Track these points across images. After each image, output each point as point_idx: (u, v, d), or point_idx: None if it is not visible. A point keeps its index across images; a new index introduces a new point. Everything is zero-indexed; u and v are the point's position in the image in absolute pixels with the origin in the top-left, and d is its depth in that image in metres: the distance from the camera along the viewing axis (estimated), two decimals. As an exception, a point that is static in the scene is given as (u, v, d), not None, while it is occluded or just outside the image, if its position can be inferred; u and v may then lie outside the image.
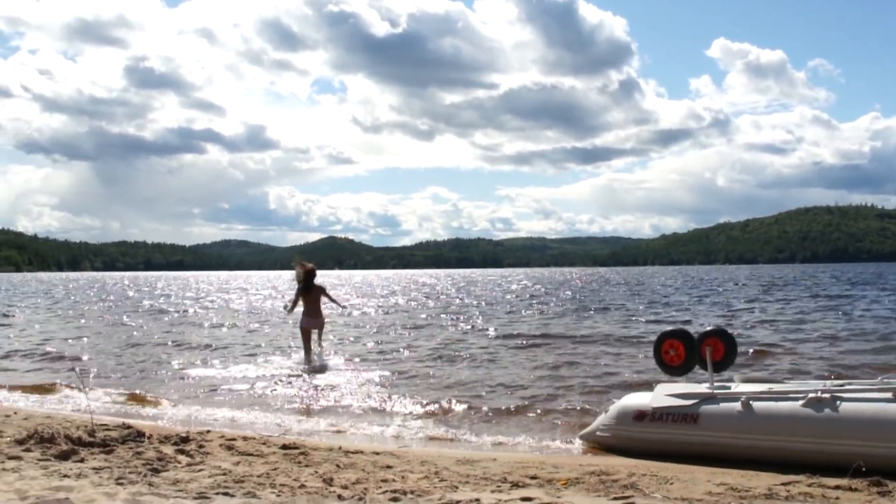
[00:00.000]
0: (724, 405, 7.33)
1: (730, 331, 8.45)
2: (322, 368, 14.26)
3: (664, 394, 7.81)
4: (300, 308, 15.03)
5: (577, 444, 8.44)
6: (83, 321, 27.93)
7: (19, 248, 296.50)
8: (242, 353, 16.51)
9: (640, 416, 7.73)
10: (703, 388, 7.70)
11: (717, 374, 7.84)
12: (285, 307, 15.78)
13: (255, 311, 32.74)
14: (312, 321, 14.95)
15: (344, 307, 19.45)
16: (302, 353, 15.19)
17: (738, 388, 7.66)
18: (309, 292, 14.88)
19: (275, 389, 12.06)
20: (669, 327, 9.08)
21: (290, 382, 12.66)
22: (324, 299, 15.28)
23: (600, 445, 8.12)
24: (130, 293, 55.94)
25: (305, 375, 13.30)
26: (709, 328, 8.38)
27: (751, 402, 7.18)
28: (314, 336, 15.15)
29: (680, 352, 7.87)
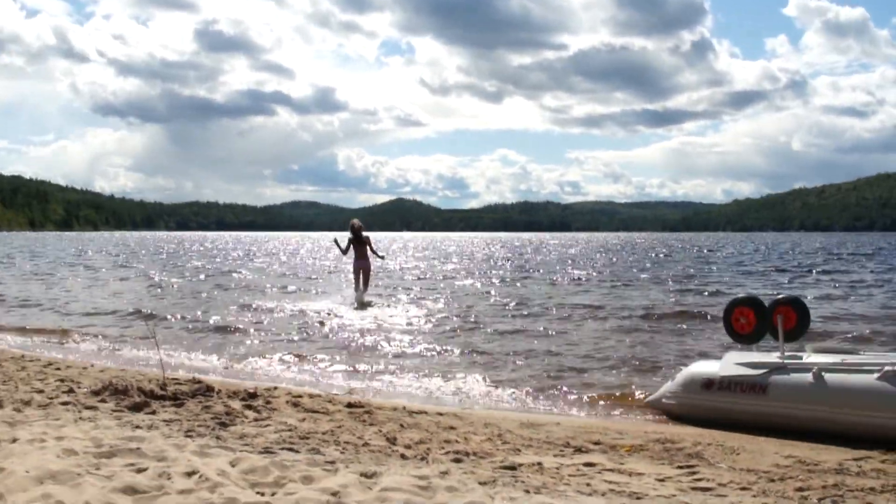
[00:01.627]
0: (794, 376, 7.19)
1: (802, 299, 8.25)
2: (368, 304, 18.61)
3: (733, 362, 7.69)
4: (352, 254, 19.56)
5: (642, 410, 8.38)
6: (171, 280, 28.52)
7: (97, 207, 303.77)
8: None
9: (708, 384, 7.64)
10: (773, 357, 7.57)
11: (788, 344, 7.70)
12: (343, 251, 19.57)
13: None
14: (360, 262, 19.57)
15: (381, 257, 22.20)
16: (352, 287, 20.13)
17: (810, 358, 7.50)
18: (358, 243, 19.32)
19: (341, 340, 12.24)
20: (740, 294, 8.93)
21: (354, 335, 12.82)
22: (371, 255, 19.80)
23: (666, 413, 8.04)
24: (223, 257, 56.93)
25: (371, 328, 13.59)
26: (781, 296, 8.20)
27: (823, 373, 7.03)
28: (361, 277, 19.65)
29: (750, 319, 7.73)
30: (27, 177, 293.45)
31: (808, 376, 7.07)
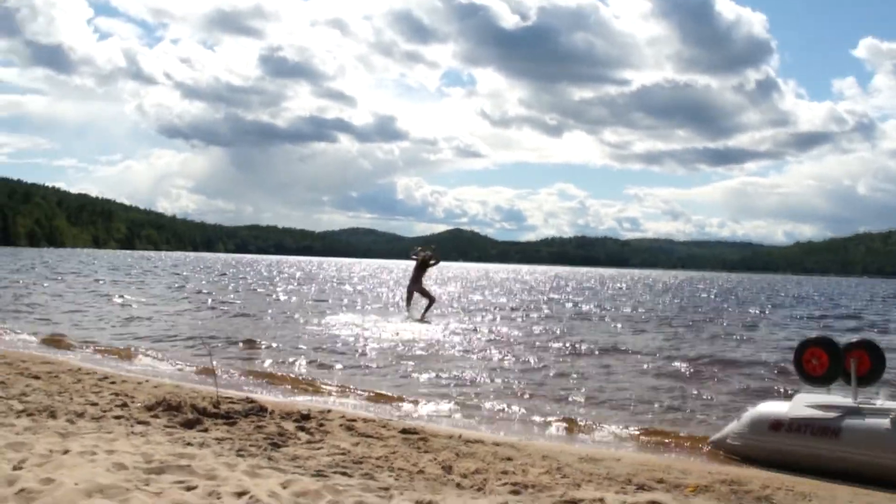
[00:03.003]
0: (870, 421, 6.86)
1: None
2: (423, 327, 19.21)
3: (804, 404, 7.38)
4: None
5: (706, 450, 8.08)
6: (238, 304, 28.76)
7: (159, 227, 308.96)
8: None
9: (777, 425, 7.34)
10: (846, 401, 7.25)
11: (862, 388, 7.37)
12: (414, 255, 21.91)
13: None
14: (413, 286, 21.58)
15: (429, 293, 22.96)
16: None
17: (885, 404, 7.17)
18: (420, 267, 21.36)
19: (399, 369, 12.11)
20: (813, 334, 8.60)
21: (413, 361, 12.70)
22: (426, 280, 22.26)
23: (731, 453, 7.75)
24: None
25: (426, 353, 13.42)
26: (855, 339, 7.88)
27: (901, 419, 6.70)
28: (415, 299, 21.83)
29: (823, 361, 7.40)
30: (93, 195, 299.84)
31: (886, 422, 6.74)
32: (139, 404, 7.58)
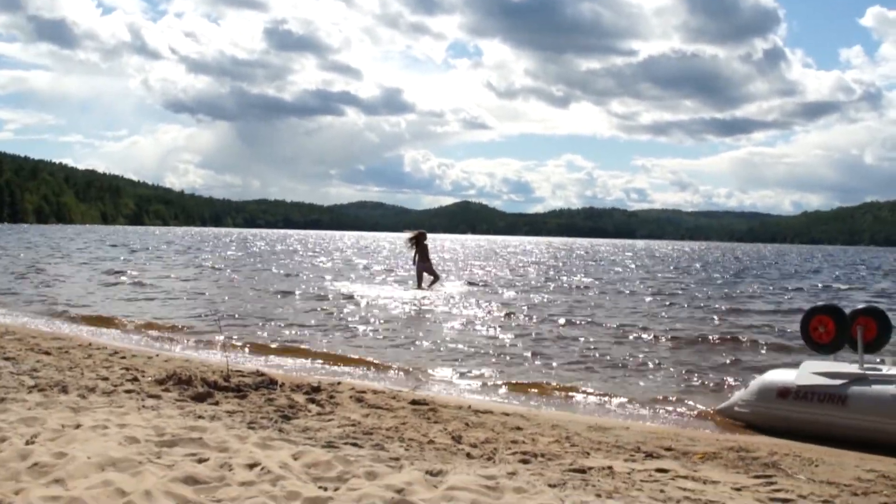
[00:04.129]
0: (876, 387, 6.87)
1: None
2: (434, 298, 19.92)
3: (810, 371, 7.39)
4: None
5: (713, 418, 8.10)
6: (250, 277, 28.81)
7: (167, 203, 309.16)
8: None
9: (784, 393, 7.35)
10: (853, 368, 7.25)
11: (868, 355, 7.37)
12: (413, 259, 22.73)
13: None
14: (420, 265, 22.32)
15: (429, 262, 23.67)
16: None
17: (891, 371, 7.17)
18: (418, 248, 21.94)
19: (408, 340, 12.16)
20: (820, 302, 8.59)
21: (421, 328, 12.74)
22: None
23: (739, 421, 7.76)
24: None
25: (433, 323, 13.41)
26: (861, 306, 7.86)
27: (907, 386, 6.71)
28: (424, 277, 22.54)
29: (830, 329, 7.40)
30: (100, 171, 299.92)
31: (892, 388, 6.75)
32: (150, 379, 7.61)
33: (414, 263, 22.71)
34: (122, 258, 37.81)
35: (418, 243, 22.04)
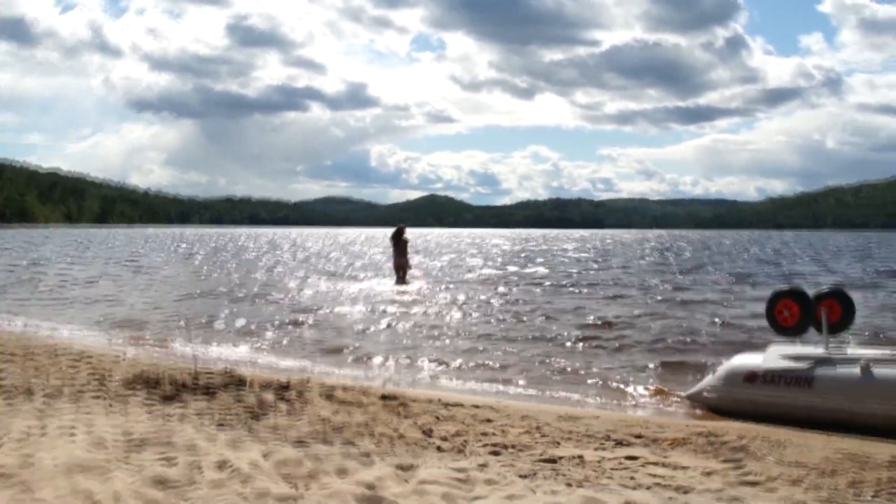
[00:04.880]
0: (841, 369, 6.96)
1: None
2: (408, 290, 20.64)
3: (777, 355, 7.47)
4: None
5: (681, 404, 8.17)
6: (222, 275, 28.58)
7: (133, 202, 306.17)
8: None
9: (751, 377, 7.42)
10: (818, 350, 7.33)
11: (833, 337, 7.46)
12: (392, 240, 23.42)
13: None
14: (398, 259, 23.38)
15: (410, 258, 25.25)
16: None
17: (856, 351, 7.27)
18: (398, 244, 23.05)
19: (377, 330, 12.14)
20: (784, 286, 8.68)
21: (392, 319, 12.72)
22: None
23: (707, 406, 7.83)
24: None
25: (401, 316, 13.41)
26: (825, 288, 7.95)
27: (871, 366, 6.80)
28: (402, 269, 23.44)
29: (794, 312, 7.49)
30: (64, 171, 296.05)
31: (856, 369, 6.84)
32: (117, 381, 7.52)
33: (395, 258, 23.66)
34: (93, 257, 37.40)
35: (399, 237, 23.07)
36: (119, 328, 13.50)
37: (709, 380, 8.01)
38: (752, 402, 7.37)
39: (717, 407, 7.71)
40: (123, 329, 13.40)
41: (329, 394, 7.46)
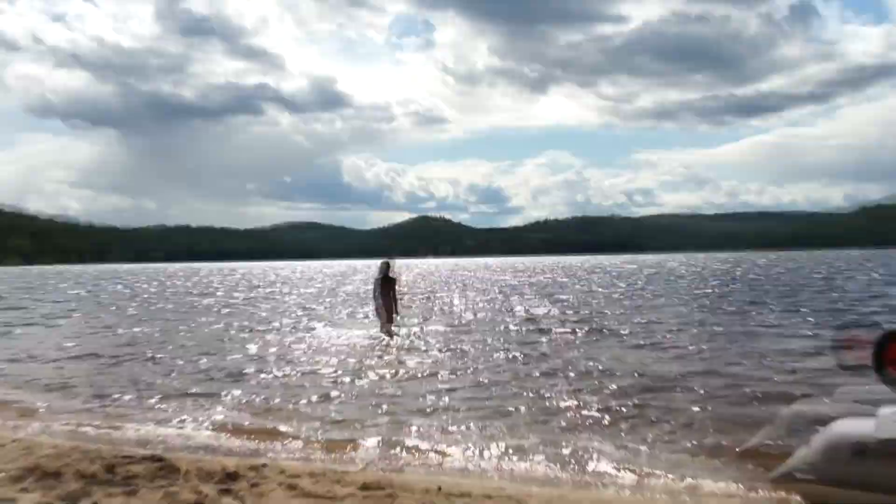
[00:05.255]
0: None
1: None
2: (393, 340, 21.10)
3: (893, 420, 7.24)
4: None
5: (769, 487, 8.00)
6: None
7: (31, 234, 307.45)
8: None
9: (861, 449, 7.19)
10: (950, 412, 7.12)
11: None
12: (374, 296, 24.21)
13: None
14: (383, 301, 23.65)
15: (401, 299, 26.11)
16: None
17: None
18: (384, 282, 23.65)
19: (359, 392, 12.18)
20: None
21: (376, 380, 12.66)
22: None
23: (802, 490, 7.61)
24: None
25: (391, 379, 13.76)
26: None
27: None
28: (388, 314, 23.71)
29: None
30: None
31: None
32: (2, 475, 7.38)
33: (376, 299, 24.05)
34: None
35: (386, 274, 23.79)
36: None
37: (802, 455, 7.80)
38: (867, 482, 7.15)
39: (820, 491, 7.49)
40: (6, 402, 13.21)
41: (292, 483, 7.41)
